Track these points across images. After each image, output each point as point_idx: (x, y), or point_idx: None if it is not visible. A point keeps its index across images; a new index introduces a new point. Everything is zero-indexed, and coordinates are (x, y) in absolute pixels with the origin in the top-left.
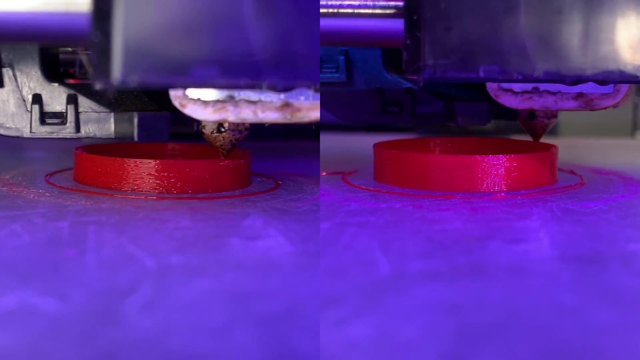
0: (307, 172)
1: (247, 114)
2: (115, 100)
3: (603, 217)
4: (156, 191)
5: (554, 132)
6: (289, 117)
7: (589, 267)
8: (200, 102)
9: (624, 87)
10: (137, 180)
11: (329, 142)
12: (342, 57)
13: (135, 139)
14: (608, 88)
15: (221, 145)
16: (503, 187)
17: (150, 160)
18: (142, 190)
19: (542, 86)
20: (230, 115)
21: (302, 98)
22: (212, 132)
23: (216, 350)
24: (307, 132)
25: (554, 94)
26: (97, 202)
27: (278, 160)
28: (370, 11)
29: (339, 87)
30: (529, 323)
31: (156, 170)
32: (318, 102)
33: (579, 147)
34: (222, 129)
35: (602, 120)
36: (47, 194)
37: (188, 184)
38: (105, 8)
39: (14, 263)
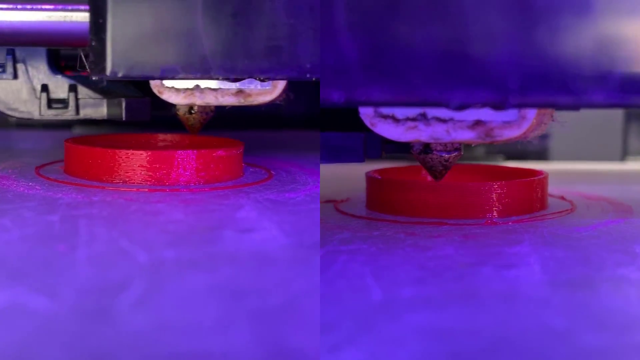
0: (300, 163)
1: (211, 99)
2: (108, 89)
3: (593, 242)
4: (148, 183)
5: (544, 157)
6: (242, 101)
7: (579, 292)
8: (174, 90)
9: (531, 114)
10: (128, 172)
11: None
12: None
13: (123, 119)
14: (510, 114)
15: (192, 124)
16: (495, 213)
17: (141, 152)
18: (133, 182)
19: (431, 111)
20: (197, 99)
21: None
22: (184, 114)
23: (211, 348)
24: (300, 123)
25: (444, 121)
26: (88, 194)
27: (270, 150)
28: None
29: None
30: (519, 348)
31: (148, 162)
32: (268, 89)
33: (569, 172)
34: (192, 111)
35: (592, 145)
36: (37, 187)
37: (180, 175)
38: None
39: (3, 259)
